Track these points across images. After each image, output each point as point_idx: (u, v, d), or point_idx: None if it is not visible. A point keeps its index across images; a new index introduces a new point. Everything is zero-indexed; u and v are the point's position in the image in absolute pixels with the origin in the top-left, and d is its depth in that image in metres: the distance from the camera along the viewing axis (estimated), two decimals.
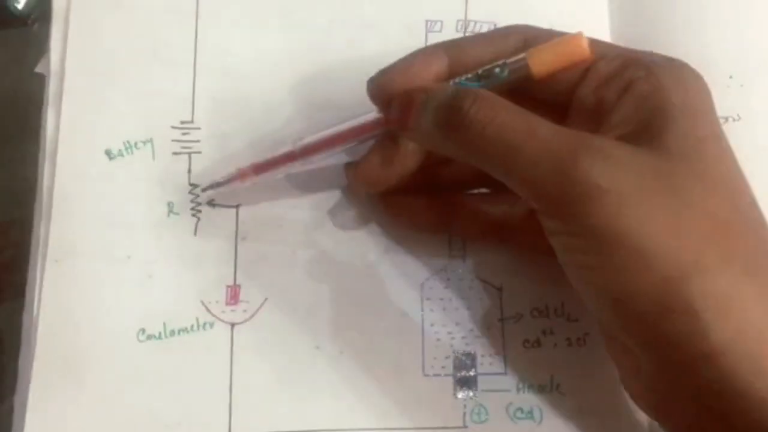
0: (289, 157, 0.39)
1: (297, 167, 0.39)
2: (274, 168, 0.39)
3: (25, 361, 0.39)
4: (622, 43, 0.43)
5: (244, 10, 0.44)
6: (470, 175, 0.40)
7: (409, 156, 0.38)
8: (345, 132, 0.38)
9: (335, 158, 0.41)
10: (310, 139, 0.39)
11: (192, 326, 0.40)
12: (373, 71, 0.43)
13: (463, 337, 0.40)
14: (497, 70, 0.35)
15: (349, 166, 0.40)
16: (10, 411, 0.39)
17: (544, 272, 0.41)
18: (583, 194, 0.30)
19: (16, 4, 0.45)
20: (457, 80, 0.36)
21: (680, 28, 0.45)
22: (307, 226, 0.42)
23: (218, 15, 0.44)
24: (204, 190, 0.40)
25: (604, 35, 0.44)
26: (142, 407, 0.39)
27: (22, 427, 0.38)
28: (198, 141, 0.42)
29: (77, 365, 0.39)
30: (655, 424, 0.38)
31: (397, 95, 0.36)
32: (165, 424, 0.39)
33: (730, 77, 0.44)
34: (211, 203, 0.41)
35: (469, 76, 0.36)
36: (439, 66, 0.37)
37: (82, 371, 0.39)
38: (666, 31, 0.44)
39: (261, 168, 0.39)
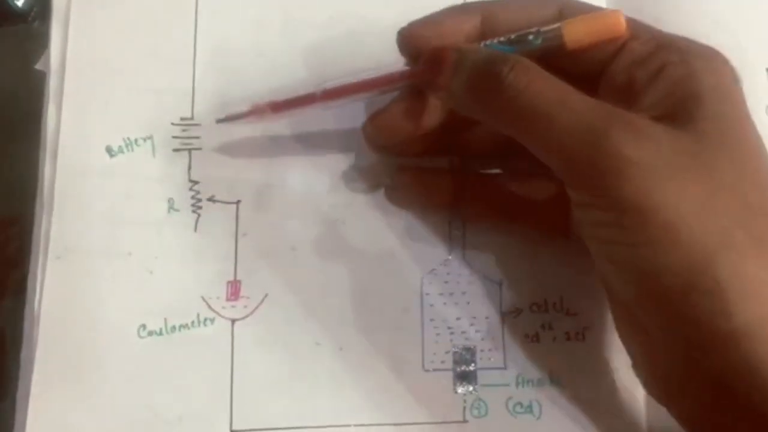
0: (309, 99, 0.38)
1: (315, 110, 0.38)
2: (292, 108, 0.38)
3: (26, 357, 0.39)
4: None
5: (244, 6, 0.44)
6: (489, 143, 0.40)
7: (432, 112, 0.38)
8: (370, 81, 0.37)
9: (351, 109, 0.41)
10: (333, 83, 0.38)
11: (193, 322, 0.40)
12: (372, 67, 0.43)
13: (462, 332, 0.40)
14: (530, 37, 0.35)
15: (368, 119, 0.39)
16: (13, 407, 0.39)
17: (543, 267, 0.41)
18: (614, 167, 0.30)
19: (16, 1, 0.45)
20: (488, 42, 0.35)
21: (680, 24, 0.44)
22: (307, 223, 0.41)
23: (217, 12, 0.44)
24: (219, 121, 0.40)
25: None
26: (144, 403, 0.39)
27: (24, 423, 0.38)
28: (198, 137, 0.42)
29: (79, 361, 0.39)
30: (654, 418, 0.39)
31: (427, 50, 0.35)
32: (166, 420, 0.38)
33: None
34: (211, 199, 0.41)
35: (501, 39, 0.35)
36: (471, 25, 0.36)
37: (83, 367, 0.39)
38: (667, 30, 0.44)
39: (278, 106, 0.38)
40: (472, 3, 0.38)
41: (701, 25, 0.44)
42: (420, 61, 0.36)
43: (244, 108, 0.39)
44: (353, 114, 0.42)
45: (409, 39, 0.37)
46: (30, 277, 0.40)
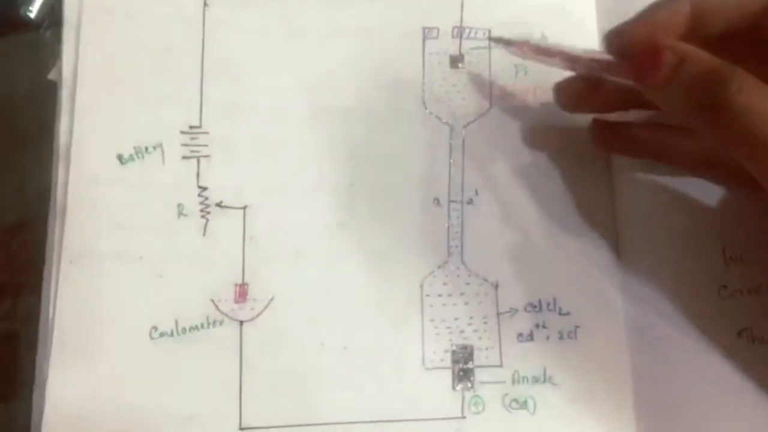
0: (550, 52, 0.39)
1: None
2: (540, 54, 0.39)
3: (41, 357, 0.38)
4: None
5: (249, 19, 0.43)
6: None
7: (619, 95, 0.38)
8: (583, 58, 0.37)
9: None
10: (575, 51, 0.38)
11: (202, 324, 0.39)
12: (372, 77, 0.42)
13: (461, 332, 0.40)
14: None
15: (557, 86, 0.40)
16: (29, 407, 0.38)
17: (538, 269, 0.40)
18: None
19: (29, 13, 0.44)
20: None
21: None
22: (311, 227, 0.40)
23: (224, 24, 0.42)
24: (492, 39, 0.42)
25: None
26: (156, 402, 0.38)
27: (40, 421, 0.37)
28: (206, 145, 0.41)
29: (92, 362, 0.38)
30: (642, 410, 0.38)
31: (640, 46, 0.33)
32: (177, 419, 0.37)
33: None
34: (219, 204, 0.40)
35: None
36: (681, 17, 0.34)
37: (97, 368, 0.38)
38: None
39: (539, 50, 0.39)
40: None
41: None
42: (633, 57, 0.34)
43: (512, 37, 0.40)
44: (349, 126, 0.42)
45: (619, 35, 0.35)
46: (45, 281, 0.39)
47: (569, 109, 0.40)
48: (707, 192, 0.41)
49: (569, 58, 0.38)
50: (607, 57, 0.36)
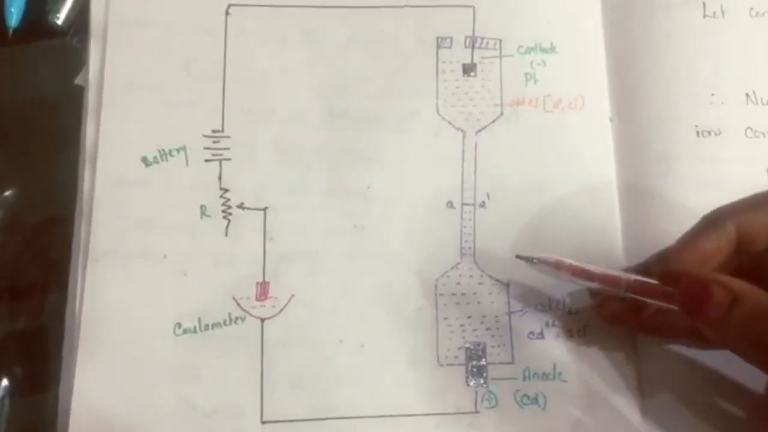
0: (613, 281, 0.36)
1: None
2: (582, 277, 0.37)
3: (68, 353, 0.38)
4: (615, 69, 0.42)
5: (269, 27, 0.43)
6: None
7: (652, 321, 0.36)
8: (634, 284, 0.35)
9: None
10: (616, 273, 0.36)
11: (225, 321, 0.39)
12: (388, 84, 0.43)
13: (474, 330, 0.40)
14: None
15: (600, 305, 0.38)
16: (56, 399, 0.38)
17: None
18: None
19: (56, 20, 0.44)
20: None
21: (668, 48, 0.44)
22: (329, 228, 0.40)
23: (245, 31, 0.43)
24: (520, 257, 0.38)
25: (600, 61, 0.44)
26: (180, 397, 0.38)
27: (67, 415, 0.37)
28: (228, 148, 0.41)
29: (118, 357, 0.38)
30: (648, 405, 0.38)
31: (688, 278, 0.32)
32: (202, 412, 0.37)
33: (713, 95, 0.43)
34: (240, 206, 0.40)
35: None
36: (726, 239, 0.33)
37: (123, 363, 0.38)
38: (655, 52, 0.43)
39: (576, 272, 0.36)
40: (725, 211, 0.34)
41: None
42: (681, 289, 0.33)
43: (549, 257, 0.37)
44: (365, 130, 0.42)
45: (666, 262, 0.35)
46: (71, 278, 0.39)
47: (611, 325, 0.38)
48: None
49: (610, 280, 0.36)
50: (651, 282, 0.35)
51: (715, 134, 0.43)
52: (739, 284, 0.32)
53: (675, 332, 0.37)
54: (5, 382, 0.39)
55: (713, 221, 0.34)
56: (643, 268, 0.37)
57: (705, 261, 0.34)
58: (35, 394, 0.39)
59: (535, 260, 0.38)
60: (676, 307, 0.33)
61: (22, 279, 0.41)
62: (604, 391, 0.39)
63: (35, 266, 0.41)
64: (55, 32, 0.44)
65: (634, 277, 0.35)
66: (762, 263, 0.35)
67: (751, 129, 0.43)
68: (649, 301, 0.35)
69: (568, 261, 0.37)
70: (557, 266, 0.37)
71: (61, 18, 0.44)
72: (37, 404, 0.39)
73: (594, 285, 0.36)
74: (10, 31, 0.44)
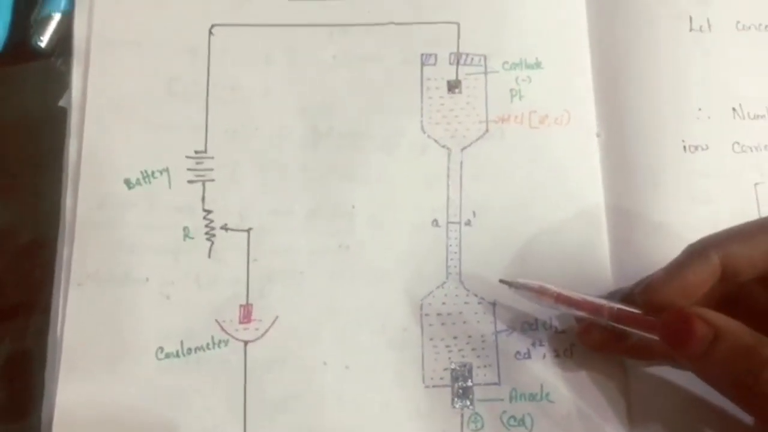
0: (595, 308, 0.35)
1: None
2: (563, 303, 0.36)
3: (50, 377, 0.37)
4: (602, 84, 0.41)
5: (253, 46, 0.42)
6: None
7: (636, 347, 0.35)
8: (613, 311, 0.34)
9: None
10: (599, 302, 0.35)
11: (208, 344, 0.38)
12: (373, 102, 0.42)
13: (459, 350, 0.38)
14: None
15: (582, 332, 0.37)
16: (38, 424, 0.37)
17: None
18: None
19: (39, 42, 0.43)
20: None
21: (655, 62, 0.43)
22: (314, 248, 0.39)
23: (228, 52, 0.42)
24: (504, 282, 0.37)
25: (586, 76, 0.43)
26: (162, 422, 0.37)
27: None
28: (211, 169, 0.40)
29: (100, 382, 0.37)
30: (637, 427, 0.37)
31: (671, 311, 0.32)
32: None
33: (699, 110, 0.42)
34: (224, 227, 0.39)
35: None
36: (711, 271, 0.33)
37: (104, 387, 0.37)
38: (641, 66, 0.42)
39: (560, 299, 0.35)
40: (710, 242, 0.33)
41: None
42: (663, 322, 0.32)
43: (532, 283, 0.36)
44: (350, 149, 0.41)
45: (649, 293, 0.34)
46: (53, 301, 0.38)
47: (595, 352, 0.38)
48: None
49: (593, 308, 0.35)
50: (634, 311, 0.34)
51: (702, 149, 0.41)
52: (722, 320, 0.31)
53: (660, 356, 0.36)
54: None
55: (698, 252, 0.33)
56: (628, 295, 0.36)
57: (689, 292, 0.33)
58: (20, 419, 0.38)
59: (518, 285, 0.37)
60: (657, 338, 0.32)
61: (5, 301, 0.40)
62: (592, 411, 0.38)
63: (20, 288, 0.40)
64: (38, 55, 0.43)
65: (617, 306, 0.34)
66: (747, 292, 0.34)
67: (738, 143, 0.42)
68: (631, 330, 0.34)
69: (552, 288, 0.36)
70: (540, 292, 0.36)
71: (44, 41, 0.43)
72: (21, 430, 0.38)
73: (577, 313, 0.35)
74: None
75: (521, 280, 0.37)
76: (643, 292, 0.34)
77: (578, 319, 0.37)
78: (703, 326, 0.30)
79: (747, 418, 0.32)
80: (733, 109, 0.42)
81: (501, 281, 0.37)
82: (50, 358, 0.38)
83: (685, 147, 0.41)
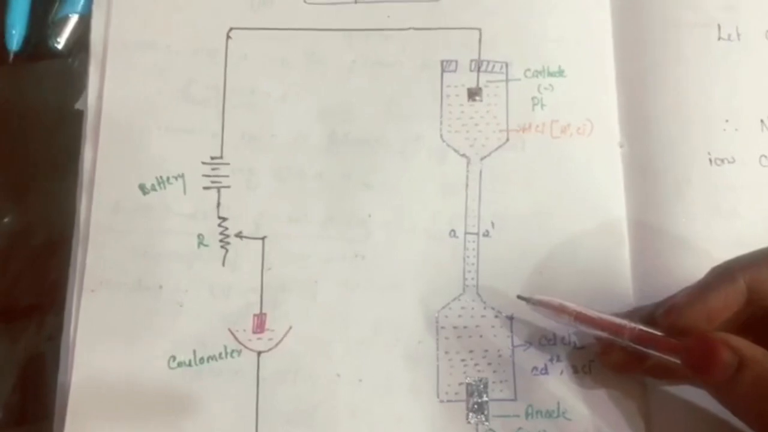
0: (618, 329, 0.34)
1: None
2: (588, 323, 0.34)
3: (62, 382, 0.37)
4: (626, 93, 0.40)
5: (271, 50, 0.41)
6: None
7: (657, 366, 0.34)
8: (634, 332, 0.33)
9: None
10: (620, 322, 0.34)
11: (220, 354, 0.37)
12: (391, 108, 0.41)
13: (475, 365, 0.37)
14: None
15: (602, 353, 0.36)
16: (50, 428, 0.36)
17: None
18: None
19: (56, 44, 0.42)
20: None
21: (681, 72, 0.41)
22: (329, 258, 0.39)
23: (245, 56, 0.41)
24: (521, 297, 0.36)
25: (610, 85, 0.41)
26: (173, 430, 0.36)
27: None
28: (227, 176, 0.39)
29: (111, 389, 0.36)
30: None
31: (695, 336, 0.31)
32: None
33: (726, 121, 0.41)
34: (239, 235, 0.39)
35: None
36: (736, 296, 0.32)
37: (116, 395, 0.36)
38: (666, 75, 0.41)
39: (579, 317, 0.34)
40: (736, 265, 0.32)
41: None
42: (686, 347, 0.31)
43: (551, 300, 0.35)
44: (367, 157, 0.40)
45: (673, 316, 0.33)
46: (66, 307, 0.38)
47: (615, 373, 0.37)
48: None
49: (614, 328, 0.33)
50: (656, 333, 0.32)
51: (729, 162, 0.40)
52: (747, 347, 0.29)
53: (682, 378, 0.35)
54: (0, 410, 0.38)
55: (724, 276, 0.32)
56: (649, 315, 0.35)
57: (713, 316, 0.32)
58: (30, 422, 0.38)
59: (536, 302, 0.36)
60: (679, 362, 0.31)
61: (19, 302, 0.40)
62: (610, 430, 0.36)
63: (34, 290, 0.40)
64: (55, 56, 0.43)
65: (639, 327, 0.33)
66: None
67: (766, 156, 0.40)
68: (652, 352, 0.32)
69: (571, 306, 0.34)
70: (559, 310, 0.34)
71: (61, 42, 0.42)
72: None
73: (596, 332, 0.34)
74: (11, 55, 0.42)
75: (539, 297, 0.36)
76: (665, 315, 0.33)
77: (598, 338, 0.36)
78: (728, 353, 0.29)
79: None
80: (761, 120, 0.41)
81: (519, 297, 0.36)
82: (63, 362, 0.37)
83: (711, 159, 0.40)
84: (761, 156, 0.40)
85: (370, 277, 0.38)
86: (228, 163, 0.39)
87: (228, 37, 0.41)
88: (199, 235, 0.38)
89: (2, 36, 0.43)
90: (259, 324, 0.37)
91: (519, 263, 0.39)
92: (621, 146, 0.40)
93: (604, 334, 0.34)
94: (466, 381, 0.37)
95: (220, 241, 0.38)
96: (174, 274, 0.38)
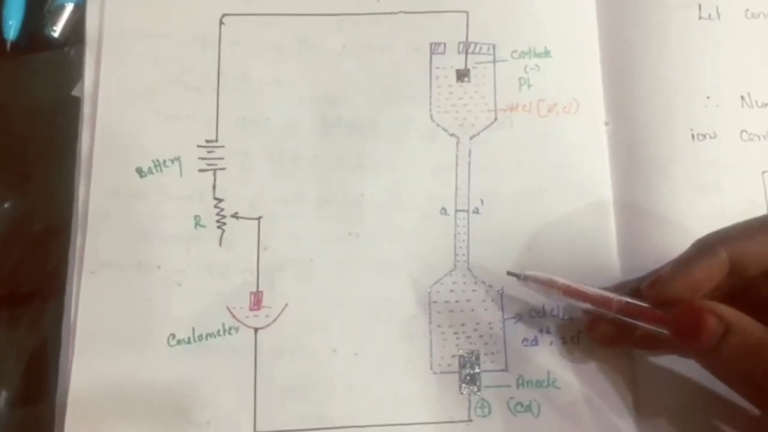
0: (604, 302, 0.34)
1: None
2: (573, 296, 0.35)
3: (63, 364, 0.37)
4: (610, 73, 0.41)
5: (263, 36, 0.41)
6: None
7: (643, 338, 0.35)
8: (621, 305, 0.33)
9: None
10: (607, 295, 0.34)
11: (218, 331, 0.37)
12: (382, 91, 0.41)
13: (467, 337, 0.38)
14: None
15: (589, 325, 0.36)
16: (52, 410, 0.37)
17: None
18: None
19: (53, 33, 0.42)
20: None
21: (664, 51, 0.42)
22: (323, 236, 0.39)
23: (239, 41, 0.41)
24: (511, 273, 0.37)
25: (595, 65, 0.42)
26: (174, 408, 0.36)
27: (62, 426, 0.36)
28: (222, 158, 0.40)
29: (112, 369, 0.37)
30: (643, 413, 0.36)
31: (682, 305, 0.31)
32: (196, 424, 0.36)
33: (708, 98, 0.41)
34: (235, 215, 0.39)
35: None
36: (719, 267, 0.32)
37: (117, 374, 0.37)
38: (650, 54, 0.41)
39: (568, 291, 0.35)
40: (718, 237, 0.33)
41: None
42: (673, 316, 0.31)
43: (540, 275, 0.36)
44: (359, 138, 0.40)
45: (658, 287, 0.33)
46: (66, 289, 0.38)
47: (602, 346, 0.37)
48: None
49: (601, 301, 0.34)
50: (643, 305, 0.33)
51: (711, 137, 0.40)
52: (733, 314, 0.30)
53: (668, 348, 0.36)
54: (4, 393, 0.38)
55: (706, 247, 0.32)
56: (635, 288, 0.35)
57: (697, 287, 0.32)
58: (33, 404, 0.38)
59: (525, 277, 0.36)
60: (666, 332, 0.31)
61: (20, 288, 0.40)
62: (598, 398, 0.37)
63: (35, 276, 0.40)
64: (52, 44, 0.43)
65: (625, 299, 0.33)
66: (755, 287, 0.33)
67: (747, 132, 0.41)
68: (639, 323, 0.33)
69: (561, 280, 0.35)
70: (548, 285, 0.35)
71: (57, 31, 0.42)
72: (34, 415, 0.37)
73: (584, 305, 0.35)
74: (8, 43, 0.43)
75: (529, 272, 0.36)
76: (650, 287, 0.33)
77: (586, 312, 0.37)
78: (714, 320, 0.30)
79: (755, 409, 0.31)
80: (742, 97, 0.41)
81: (509, 273, 0.37)
82: (64, 344, 0.37)
83: (693, 135, 0.40)
84: (742, 131, 0.41)
85: (364, 256, 0.39)
86: (223, 146, 0.40)
87: (221, 23, 0.41)
88: (196, 217, 0.39)
89: None
90: (256, 301, 0.38)
91: (508, 239, 0.39)
92: (606, 124, 0.41)
93: (592, 308, 0.34)
94: (459, 353, 0.38)
95: (217, 221, 0.39)
96: (172, 254, 0.38)
